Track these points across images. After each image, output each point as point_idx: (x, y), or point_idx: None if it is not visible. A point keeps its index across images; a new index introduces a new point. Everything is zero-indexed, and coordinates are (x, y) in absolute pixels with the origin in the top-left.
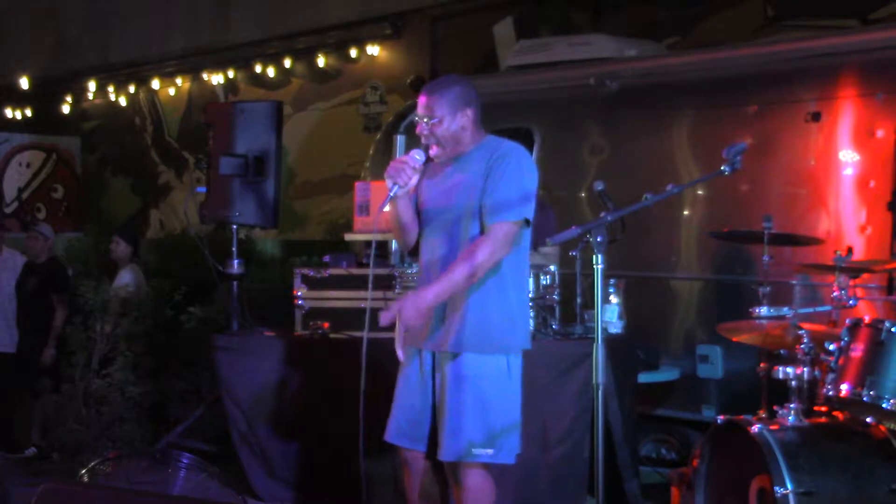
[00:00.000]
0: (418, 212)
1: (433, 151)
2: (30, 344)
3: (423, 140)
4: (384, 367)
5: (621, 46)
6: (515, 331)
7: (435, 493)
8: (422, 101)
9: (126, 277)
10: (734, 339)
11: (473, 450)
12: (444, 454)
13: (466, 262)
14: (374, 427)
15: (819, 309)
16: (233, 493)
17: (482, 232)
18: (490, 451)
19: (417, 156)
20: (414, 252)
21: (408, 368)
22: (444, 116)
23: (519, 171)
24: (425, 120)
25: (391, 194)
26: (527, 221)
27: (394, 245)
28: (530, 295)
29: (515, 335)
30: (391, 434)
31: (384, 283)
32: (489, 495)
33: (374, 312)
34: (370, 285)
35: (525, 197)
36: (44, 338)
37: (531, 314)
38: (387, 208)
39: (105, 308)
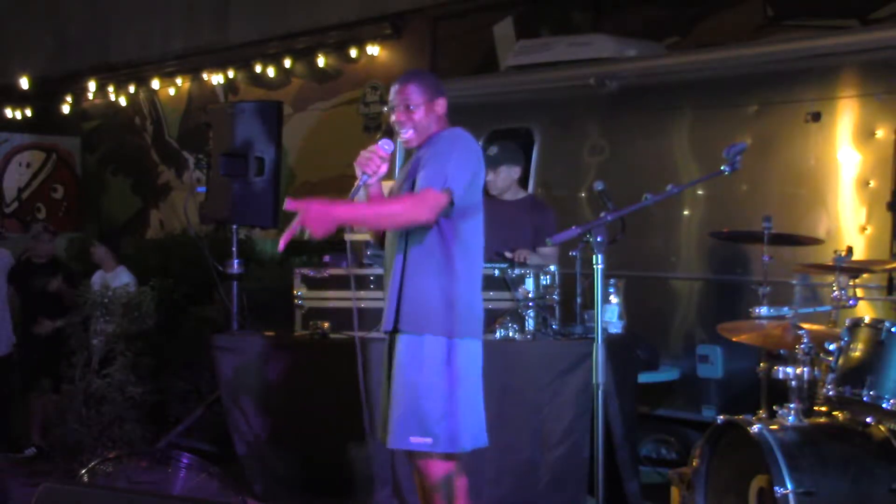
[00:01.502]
0: None
1: (408, 136)
2: (44, 342)
3: (397, 127)
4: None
5: (621, 46)
6: (457, 316)
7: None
8: (398, 88)
9: (125, 277)
10: (734, 339)
11: (410, 438)
12: (387, 442)
13: (384, 204)
14: (375, 427)
15: (819, 309)
16: (233, 493)
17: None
18: (428, 441)
19: (386, 146)
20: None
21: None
22: (422, 104)
23: (451, 147)
24: (403, 107)
25: (360, 184)
26: (449, 191)
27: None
28: (530, 295)
29: (457, 320)
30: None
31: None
32: (451, 488)
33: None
34: (353, 285)
35: (451, 170)
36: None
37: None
38: (357, 198)
39: (106, 308)
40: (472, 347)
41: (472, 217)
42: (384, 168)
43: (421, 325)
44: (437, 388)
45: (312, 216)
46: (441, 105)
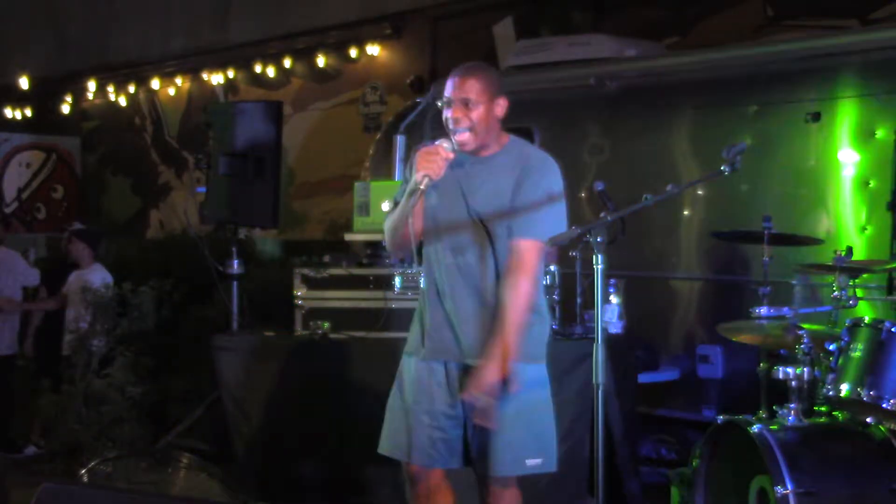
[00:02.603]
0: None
1: (463, 137)
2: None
3: (451, 125)
4: (385, 367)
5: (621, 46)
6: (543, 340)
7: None
8: (457, 82)
9: (103, 273)
10: (734, 339)
11: (527, 461)
12: (493, 470)
13: (515, 306)
14: (374, 427)
15: (819, 309)
16: (233, 493)
17: (504, 242)
18: (538, 461)
19: (446, 144)
20: (402, 258)
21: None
22: (482, 102)
23: (550, 184)
24: (461, 103)
25: (422, 187)
26: (543, 244)
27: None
28: None
29: (542, 344)
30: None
31: (384, 282)
32: None
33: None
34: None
35: (555, 213)
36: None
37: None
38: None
39: (107, 308)
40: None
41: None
42: (443, 171)
43: (528, 354)
44: (547, 411)
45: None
46: (502, 106)
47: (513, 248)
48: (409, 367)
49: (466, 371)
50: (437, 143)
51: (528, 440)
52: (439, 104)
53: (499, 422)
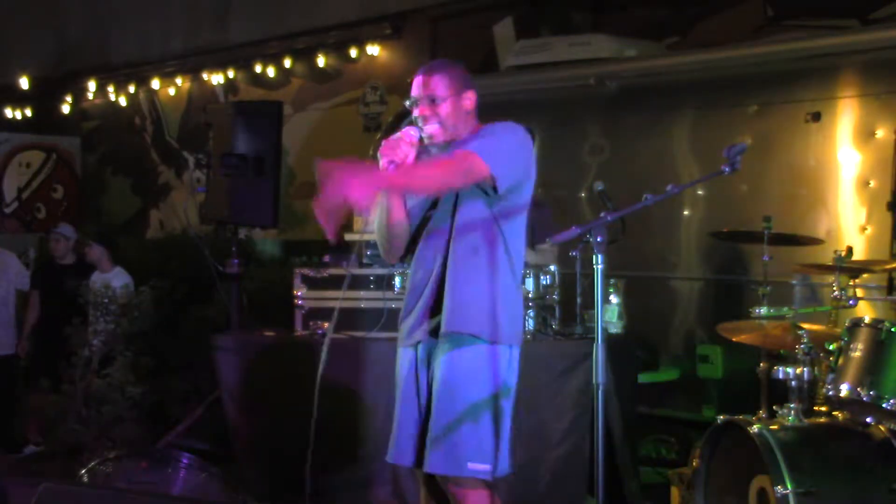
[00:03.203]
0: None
1: (432, 130)
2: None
3: (420, 122)
4: (385, 368)
5: (621, 46)
6: (504, 321)
7: None
8: (422, 80)
9: (125, 278)
10: (734, 339)
11: (468, 464)
12: (428, 465)
13: (417, 167)
14: (376, 427)
15: (819, 309)
16: (233, 493)
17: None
18: (487, 467)
19: (412, 131)
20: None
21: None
22: (449, 97)
23: (503, 133)
24: (428, 100)
25: None
26: (493, 178)
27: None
28: (530, 295)
29: (504, 325)
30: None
31: (384, 282)
32: None
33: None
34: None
35: (499, 150)
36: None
37: (530, 313)
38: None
39: (106, 309)
40: (515, 355)
41: (518, 218)
42: (412, 155)
43: (471, 330)
44: (490, 404)
45: (351, 181)
46: (469, 99)
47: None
48: (397, 359)
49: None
50: (405, 129)
51: (471, 442)
52: (407, 104)
53: (437, 411)
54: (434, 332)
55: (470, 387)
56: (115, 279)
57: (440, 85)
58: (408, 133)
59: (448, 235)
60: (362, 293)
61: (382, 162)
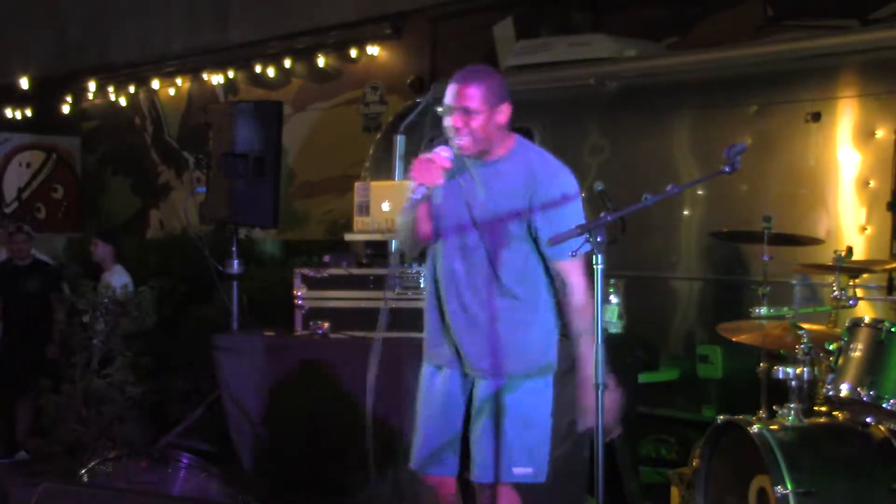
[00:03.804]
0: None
1: (462, 143)
2: (28, 346)
3: (451, 133)
4: (385, 368)
5: (621, 46)
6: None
7: None
8: (457, 90)
9: (124, 278)
10: (734, 339)
11: (514, 469)
12: (476, 475)
13: (588, 326)
14: (374, 426)
15: (819, 309)
16: (233, 493)
17: (521, 243)
18: (529, 470)
19: (445, 153)
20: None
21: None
22: (484, 111)
23: (576, 195)
24: (462, 112)
25: (416, 197)
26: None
27: (393, 245)
28: None
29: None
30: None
31: (384, 282)
32: None
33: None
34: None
35: (575, 215)
36: (40, 338)
37: None
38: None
39: (106, 308)
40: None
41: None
42: (442, 180)
43: (528, 371)
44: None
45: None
46: (504, 112)
47: (555, 271)
48: (421, 372)
49: (466, 378)
50: (435, 150)
51: (520, 448)
52: (439, 111)
53: (496, 428)
54: (488, 370)
55: (542, 415)
56: (114, 278)
57: (475, 98)
58: (440, 155)
59: (487, 271)
60: (362, 293)
61: (413, 185)
